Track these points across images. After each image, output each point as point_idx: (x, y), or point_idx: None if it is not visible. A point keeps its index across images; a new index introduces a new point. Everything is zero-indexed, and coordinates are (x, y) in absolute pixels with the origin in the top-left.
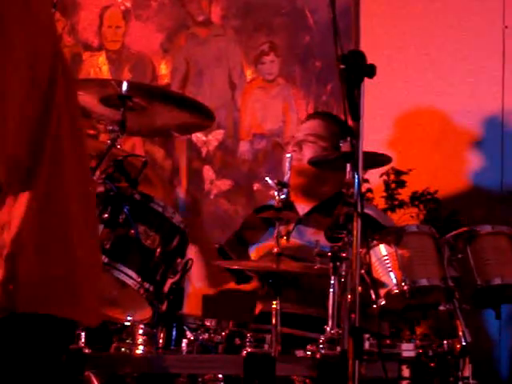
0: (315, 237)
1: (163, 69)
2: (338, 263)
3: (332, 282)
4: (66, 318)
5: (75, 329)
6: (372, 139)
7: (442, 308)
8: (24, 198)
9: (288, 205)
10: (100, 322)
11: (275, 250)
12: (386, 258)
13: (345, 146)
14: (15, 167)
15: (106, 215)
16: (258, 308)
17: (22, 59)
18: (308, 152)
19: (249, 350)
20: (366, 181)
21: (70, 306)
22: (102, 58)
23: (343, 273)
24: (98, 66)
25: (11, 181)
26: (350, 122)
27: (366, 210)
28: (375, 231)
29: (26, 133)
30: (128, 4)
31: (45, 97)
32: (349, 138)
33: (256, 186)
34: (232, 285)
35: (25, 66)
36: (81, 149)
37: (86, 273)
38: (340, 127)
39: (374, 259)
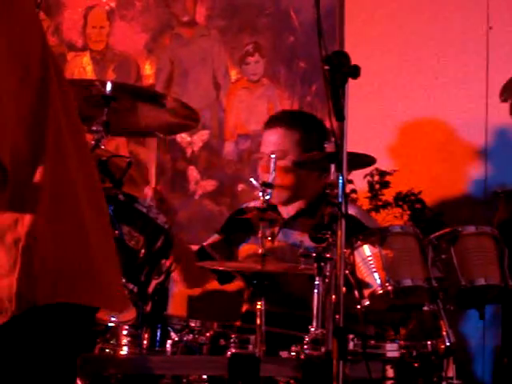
0: (300, 238)
1: (148, 69)
2: (322, 264)
3: (317, 282)
4: (89, 307)
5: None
6: (352, 138)
7: (425, 308)
8: (33, 191)
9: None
10: (126, 308)
11: (260, 250)
12: (370, 258)
13: (329, 147)
14: (18, 158)
15: None
16: (244, 308)
17: (9, 55)
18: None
19: (233, 350)
20: (350, 181)
21: (91, 294)
22: (86, 59)
23: (328, 273)
24: (83, 66)
25: (15, 170)
26: (334, 123)
27: (349, 211)
28: (358, 232)
29: (24, 126)
30: (112, 4)
31: (39, 91)
32: (333, 139)
33: (241, 187)
34: (216, 285)
35: (14, 61)
36: (81, 141)
37: (103, 259)
38: (302, 129)
39: (358, 260)
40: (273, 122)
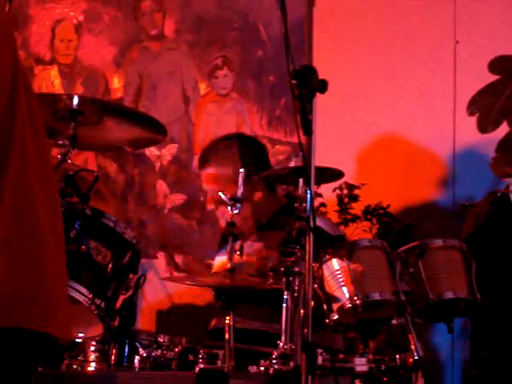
0: (267, 252)
1: (116, 83)
2: (290, 278)
3: (285, 296)
4: (40, 332)
5: (53, 344)
6: (320, 152)
7: (394, 322)
8: None
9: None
10: (72, 337)
11: (228, 265)
12: (338, 272)
13: (297, 161)
14: None
15: None
16: (212, 323)
17: None
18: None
19: (202, 366)
20: (319, 195)
21: (42, 319)
22: (54, 72)
23: (296, 287)
24: (50, 80)
25: None
26: (302, 137)
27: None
28: (325, 243)
29: None
30: (80, 18)
31: (7, 108)
32: (301, 153)
33: None
34: (185, 299)
35: None
36: (45, 160)
37: (56, 285)
38: (232, 164)
39: (326, 273)
40: (202, 161)
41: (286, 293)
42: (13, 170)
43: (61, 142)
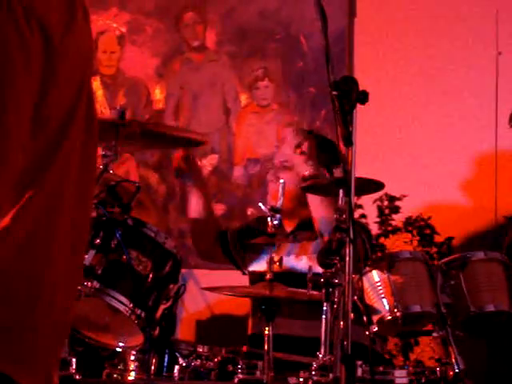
0: (304, 259)
1: (158, 94)
2: (330, 289)
3: (324, 308)
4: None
5: None
6: (361, 163)
7: (435, 335)
8: None
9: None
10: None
11: (268, 275)
12: (378, 284)
13: (337, 172)
14: None
15: (98, 240)
16: (250, 330)
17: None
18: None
19: (241, 376)
20: (360, 206)
21: (8, 362)
22: (96, 83)
23: (336, 299)
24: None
25: None
26: (343, 149)
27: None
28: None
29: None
30: (123, 29)
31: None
32: (341, 164)
33: (250, 211)
34: (224, 309)
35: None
36: (89, 171)
37: (49, 332)
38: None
39: (366, 285)
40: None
41: (325, 304)
42: (55, 171)
43: (103, 153)
